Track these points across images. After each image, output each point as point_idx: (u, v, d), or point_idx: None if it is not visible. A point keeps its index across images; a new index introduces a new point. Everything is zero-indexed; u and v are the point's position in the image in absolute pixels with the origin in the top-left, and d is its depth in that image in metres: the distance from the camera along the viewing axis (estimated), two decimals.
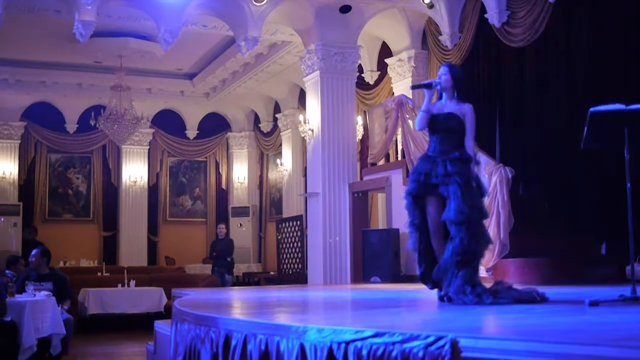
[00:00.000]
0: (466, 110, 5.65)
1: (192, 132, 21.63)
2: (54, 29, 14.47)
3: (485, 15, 11.70)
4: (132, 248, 20.08)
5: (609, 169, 9.36)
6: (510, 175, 9.39)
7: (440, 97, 5.86)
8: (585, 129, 5.33)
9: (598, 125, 5.21)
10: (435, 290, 5.64)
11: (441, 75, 5.75)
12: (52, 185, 20.25)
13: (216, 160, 22.11)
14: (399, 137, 12.10)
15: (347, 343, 3.24)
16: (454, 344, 2.87)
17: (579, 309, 4.69)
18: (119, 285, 13.04)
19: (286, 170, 18.75)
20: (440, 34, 12.73)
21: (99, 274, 14.97)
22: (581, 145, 5.58)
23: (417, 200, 5.72)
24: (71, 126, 20.11)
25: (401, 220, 11.64)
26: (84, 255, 18.77)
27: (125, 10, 13.10)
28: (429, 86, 5.76)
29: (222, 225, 15.93)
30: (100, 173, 20.66)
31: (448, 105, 5.72)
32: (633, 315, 4.20)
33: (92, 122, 16.39)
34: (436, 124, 5.68)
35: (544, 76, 11.06)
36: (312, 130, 13.23)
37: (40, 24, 14.25)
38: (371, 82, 15.04)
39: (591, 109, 5.28)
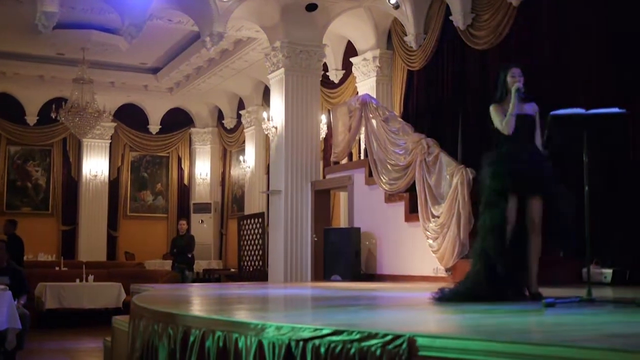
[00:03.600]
0: (536, 109, 5.91)
1: (154, 127, 21.48)
2: (15, 19, 14.25)
3: (450, 18, 11.80)
4: (92, 243, 19.89)
5: (568, 172, 9.47)
6: (471, 177, 9.47)
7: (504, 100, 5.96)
8: (546, 132, 5.40)
9: (558, 128, 5.28)
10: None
11: (519, 77, 5.88)
12: (11, 177, 19.97)
13: (178, 156, 22.00)
14: (362, 136, 12.14)
15: (306, 341, 3.25)
16: (412, 343, 2.89)
17: (535, 309, 4.74)
18: (77, 280, 12.91)
19: (249, 167, 18.71)
20: (406, 35, 12.80)
21: (57, 268, 14.82)
22: (541, 147, 5.66)
23: (506, 198, 5.76)
24: (31, 118, 19.85)
25: (363, 219, 11.73)
26: (42, 249, 18.53)
27: (89, 2, 12.98)
28: (519, 90, 5.88)
29: (183, 222, 15.83)
30: (61, 166, 20.43)
31: (518, 106, 5.85)
32: (588, 316, 4.26)
33: (53, 115, 16.20)
34: (517, 125, 5.82)
35: None
36: (276, 128, 13.22)
37: (1, 14, 14.02)
38: (336, 81, 15.06)
39: (551, 113, 5.35)
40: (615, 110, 5.28)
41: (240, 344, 3.57)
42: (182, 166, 22.02)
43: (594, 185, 5.40)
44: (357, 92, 13.82)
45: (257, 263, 15.51)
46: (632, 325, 3.74)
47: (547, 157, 5.75)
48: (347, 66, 14.70)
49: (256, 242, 15.67)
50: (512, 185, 5.70)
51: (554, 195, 5.65)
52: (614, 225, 9.07)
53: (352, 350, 3.04)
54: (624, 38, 9.28)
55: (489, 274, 5.60)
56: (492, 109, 5.97)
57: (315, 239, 11.79)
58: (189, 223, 17.86)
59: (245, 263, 15.98)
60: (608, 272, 8.58)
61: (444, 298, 5.52)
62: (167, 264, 16.80)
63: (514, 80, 5.89)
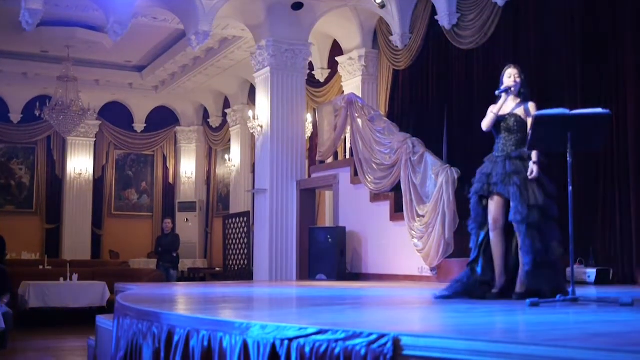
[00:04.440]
0: (529, 108, 5.83)
1: (139, 125, 21.40)
2: None
3: (436, 17, 11.81)
4: (76, 241, 19.78)
5: (553, 172, 9.51)
6: (456, 176, 9.50)
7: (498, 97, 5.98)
8: (530, 132, 5.42)
9: (542, 129, 5.30)
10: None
11: (516, 76, 5.90)
12: None
13: (164, 155, 21.92)
14: (348, 136, 12.14)
15: (290, 340, 3.24)
16: (396, 342, 2.90)
17: (519, 309, 4.76)
18: (61, 278, 12.83)
19: (234, 166, 18.68)
20: (391, 34, 12.81)
21: (41, 267, 14.72)
22: (526, 148, 5.67)
23: (481, 199, 5.87)
24: (15, 116, 19.72)
25: (348, 218, 11.74)
26: (26, 248, 18.41)
27: None
28: (507, 90, 5.89)
29: (169, 220, 15.79)
30: (45, 164, 20.30)
31: (509, 105, 5.89)
32: (570, 315, 4.29)
33: (37, 113, 16.11)
34: (499, 124, 5.87)
35: (491, 78, 11.17)
36: (261, 127, 13.20)
37: None
38: (321, 80, 15.06)
39: (536, 113, 5.37)
40: (599, 110, 5.31)
41: (224, 343, 3.57)
42: (167, 165, 21.95)
43: (577, 184, 5.43)
44: (343, 91, 13.82)
45: (242, 262, 15.49)
46: (615, 324, 3.76)
47: (527, 157, 5.75)
48: (332, 65, 14.70)
49: (241, 241, 15.64)
50: (477, 188, 5.82)
51: (515, 198, 5.64)
52: (598, 224, 9.12)
53: (337, 350, 3.05)
54: (608, 38, 9.33)
55: (473, 272, 5.71)
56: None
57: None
58: (174, 222, 17.80)
59: (230, 262, 15.95)
60: (592, 271, 8.63)
61: (446, 296, 5.60)
62: (152, 263, 16.74)
63: (509, 80, 5.95)
